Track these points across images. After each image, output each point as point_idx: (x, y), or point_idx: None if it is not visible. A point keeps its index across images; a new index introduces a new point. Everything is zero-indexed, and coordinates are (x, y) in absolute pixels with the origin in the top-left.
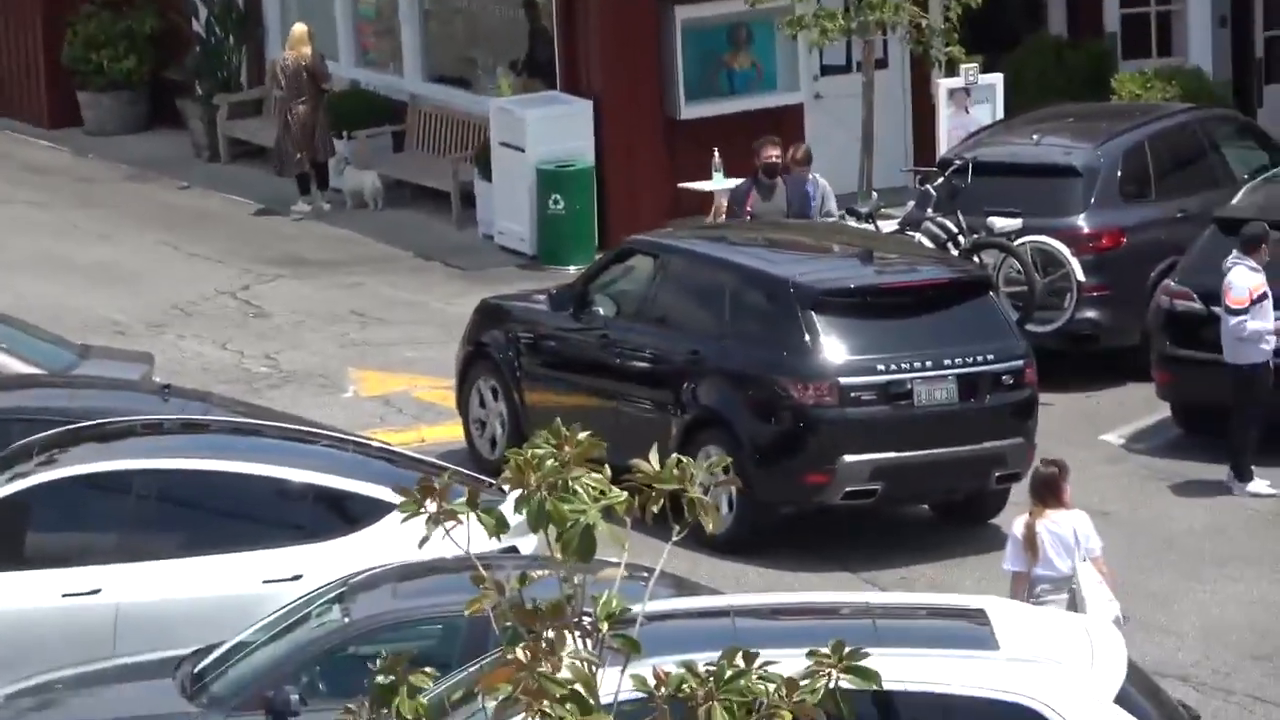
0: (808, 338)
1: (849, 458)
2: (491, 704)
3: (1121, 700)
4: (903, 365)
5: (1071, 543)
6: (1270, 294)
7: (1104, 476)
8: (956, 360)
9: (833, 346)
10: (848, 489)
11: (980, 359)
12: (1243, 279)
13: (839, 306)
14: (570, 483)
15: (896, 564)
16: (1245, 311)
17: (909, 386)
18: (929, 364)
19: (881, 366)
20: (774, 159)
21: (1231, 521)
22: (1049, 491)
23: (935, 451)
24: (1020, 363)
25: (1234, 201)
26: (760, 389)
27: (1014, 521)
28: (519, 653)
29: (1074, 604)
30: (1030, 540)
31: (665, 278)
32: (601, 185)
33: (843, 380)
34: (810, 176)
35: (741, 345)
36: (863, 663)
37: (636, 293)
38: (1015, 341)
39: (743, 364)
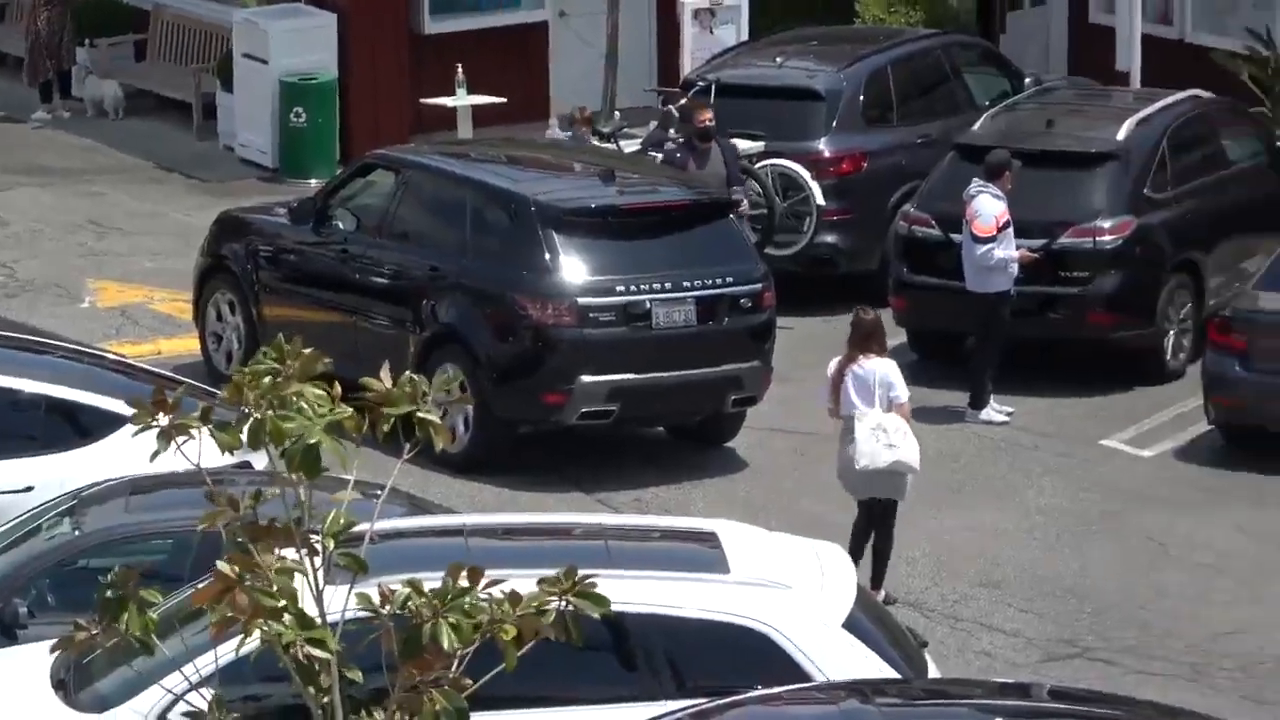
0: (548, 257)
1: (586, 378)
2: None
3: (850, 625)
4: (641, 287)
5: (872, 388)
6: (1012, 222)
7: None
8: (695, 283)
9: (572, 266)
10: (584, 409)
11: (719, 282)
12: (989, 207)
13: (580, 226)
14: (293, 399)
15: (631, 485)
16: (992, 239)
17: (647, 308)
18: (668, 286)
19: (620, 288)
20: (707, 122)
21: (964, 449)
22: (868, 339)
23: (673, 374)
24: (759, 286)
25: (975, 128)
26: (499, 307)
27: (830, 361)
28: (224, 565)
29: (854, 446)
30: (837, 382)
31: (406, 193)
32: (344, 99)
33: (581, 300)
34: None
35: (482, 263)
36: (592, 588)
37: (377, 207)
38: (754, 265)
39: (482, 282)
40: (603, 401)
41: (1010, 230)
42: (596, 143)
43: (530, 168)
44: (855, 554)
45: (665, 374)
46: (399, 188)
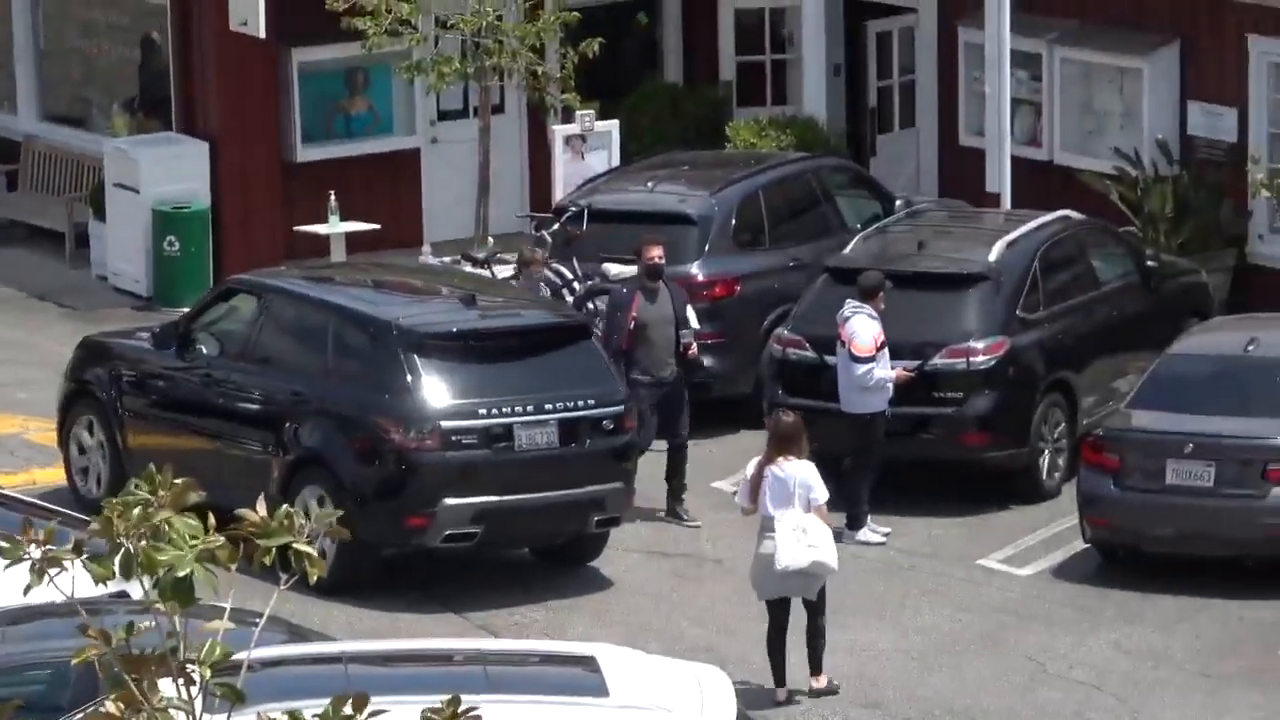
0: (409, 380)
1: (449, 501)
2: None
3: None
4: (504, 409)
5: (791, 489)
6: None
7: (716, 523)
8: (557, 405)
9: (434, 389)
10: (448, 532)
11: (581, 404)
12: (865, 327)
13: (441, 349)
14: (165, 528)
15: (501, 605)
16: (871, 359)
17: (510, 430)
18: (530, 408)
19: (483, 410)
20: (658, 260)
21: (842, 569)
22: (787, 442)
23: (536, 495)
24: (620, 408)
25: (846, 251)
26: (362, 431)
27: (749, 463)
28: (110, 705)
29: (774, 547)
30: (756, 483)
31: (268, 317)
32: (217, 227)
33: (444, 424)
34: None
35: (344, 386)
36: (474, 714)
37: (240, 332)
38: (615, 387)
39: (345, 405)
40: (466, 524)
41: (886, 351)
42: (470, 269)
43: (392, 291)
44: (778, 656)
45: (528, 496)
46: (261, 312)
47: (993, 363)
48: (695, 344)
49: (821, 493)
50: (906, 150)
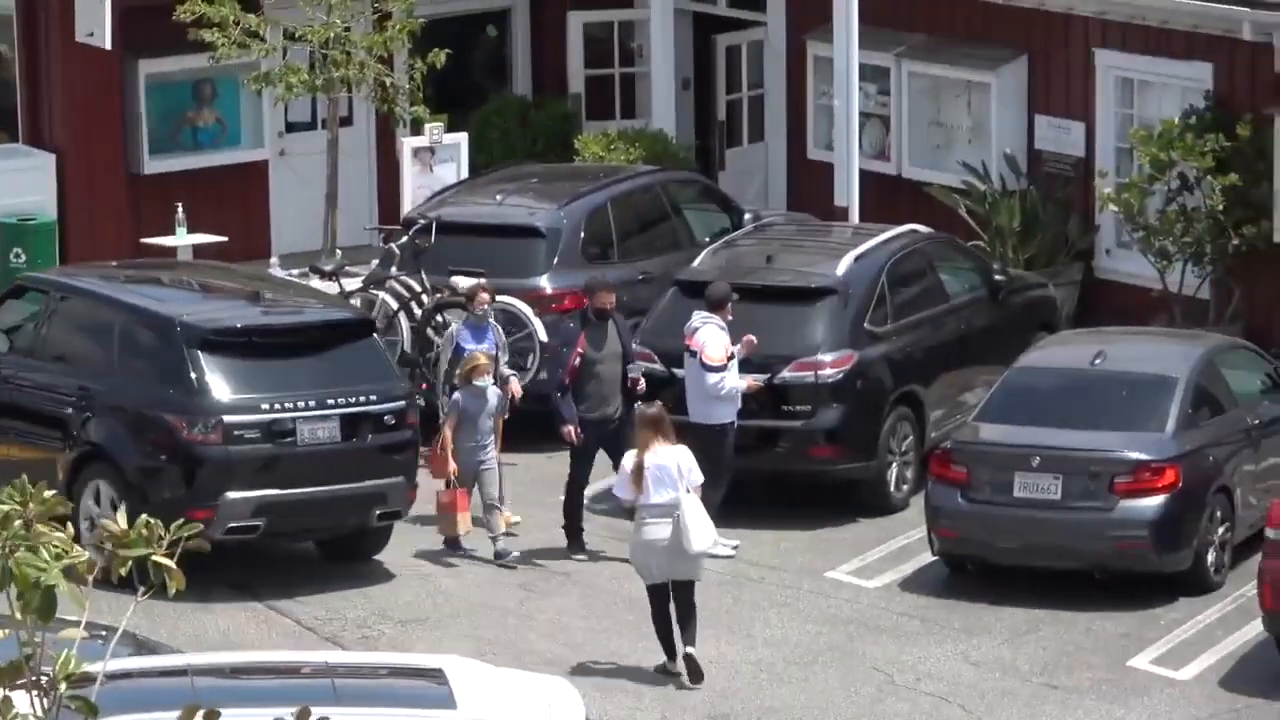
0: (193, 376)
1: (232, 494)
2: None
3: None
4: (286, 404)
5: (675, 475)
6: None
7: (562, 537)
8: (339, 400)
9: (218, 385)
10: (231, 524)
11: (363, 399)
12: (715, 337)
13: (224, 346)
14: (36, 541)
15: (355, 614)
16: (723, 369)
17: (292, 425)
18: (312, 404)
19: (266, 405)
20: (609, 306)
21: None
22: (656, 429)
23: (318, 489)
24: (402, 404)
25: (695, 264)
26: (146, 426)
27: (624, 456)
28: None
29: (678, 531)
30: (637, 473)
31: (56, 315)
32: (64, 239)
33: (227, 419)
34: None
35: (129, 382)
36: None
37: (29, 329)
38: (396, 383)
39: (130, 401)
40: (249, 517)
41: (736, 361)
42: (318, 282)
43: (178, 289)
44: (667, 639)
45: (310, 489)
46: (49, 309)
47: (840, 376)
48: (643, 379)
49: (699, 474)
50: (755, 164)
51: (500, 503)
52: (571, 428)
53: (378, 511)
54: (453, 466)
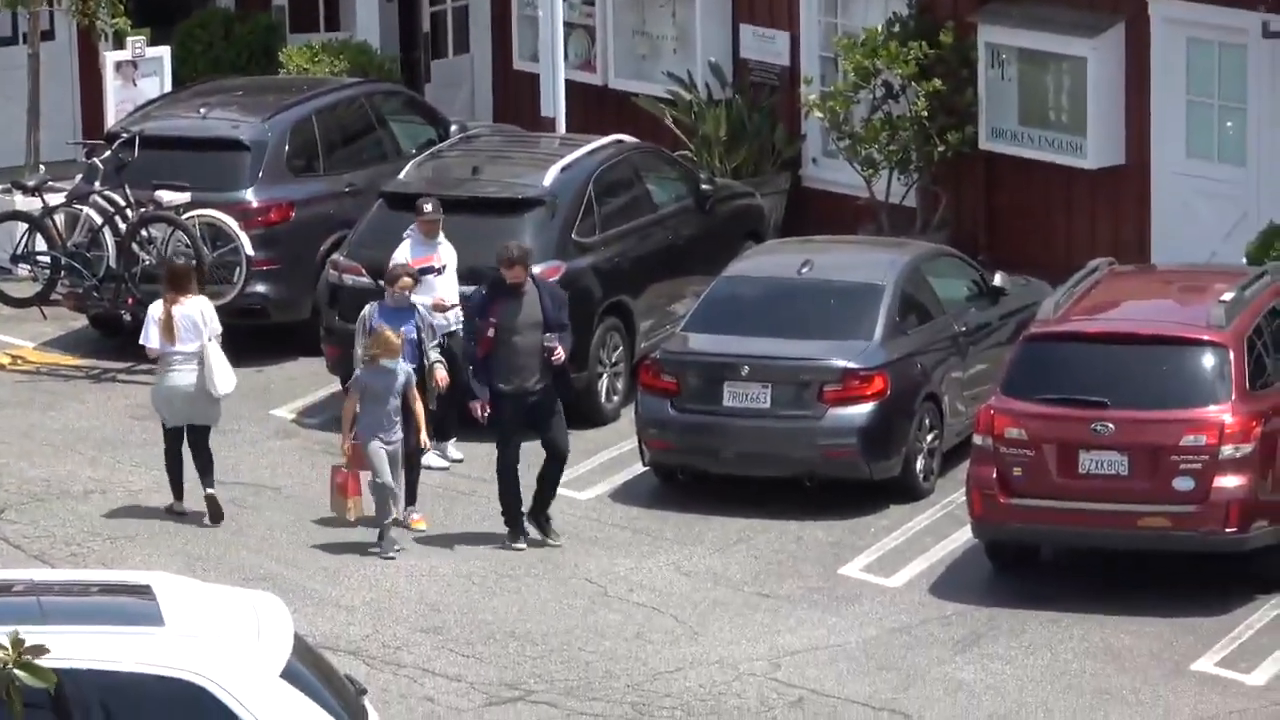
0: None
1: None
2: None
3: (288, 674)
4: None
5: (199, 323)
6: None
7: (275, 451)
8: None
9: None
10: None
11: None
12: (403, 253)
13: None
14: None
15: (62, 532)
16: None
17: None
18: None
19: None
20: (518, 279)
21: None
22: (184, 280)
23: None
24: None
25: (401, 176)
26: None
27: (151, 306)
28: None
29: (203, 376)
30: (166, 323)
31: None
32: None
33: None
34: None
35: None
36: (40, 651)
37: None
38: None
39: None
40: None
41: (435, 277)
42: (21, 197)
43: None
44: (178, 481)
45: None
46: None
47: None
48: (561, 349)
49: (218, 325)
50: (461, 75)
51: (412, 502)
52: (479, 403)
53: None
54: (347, 445)
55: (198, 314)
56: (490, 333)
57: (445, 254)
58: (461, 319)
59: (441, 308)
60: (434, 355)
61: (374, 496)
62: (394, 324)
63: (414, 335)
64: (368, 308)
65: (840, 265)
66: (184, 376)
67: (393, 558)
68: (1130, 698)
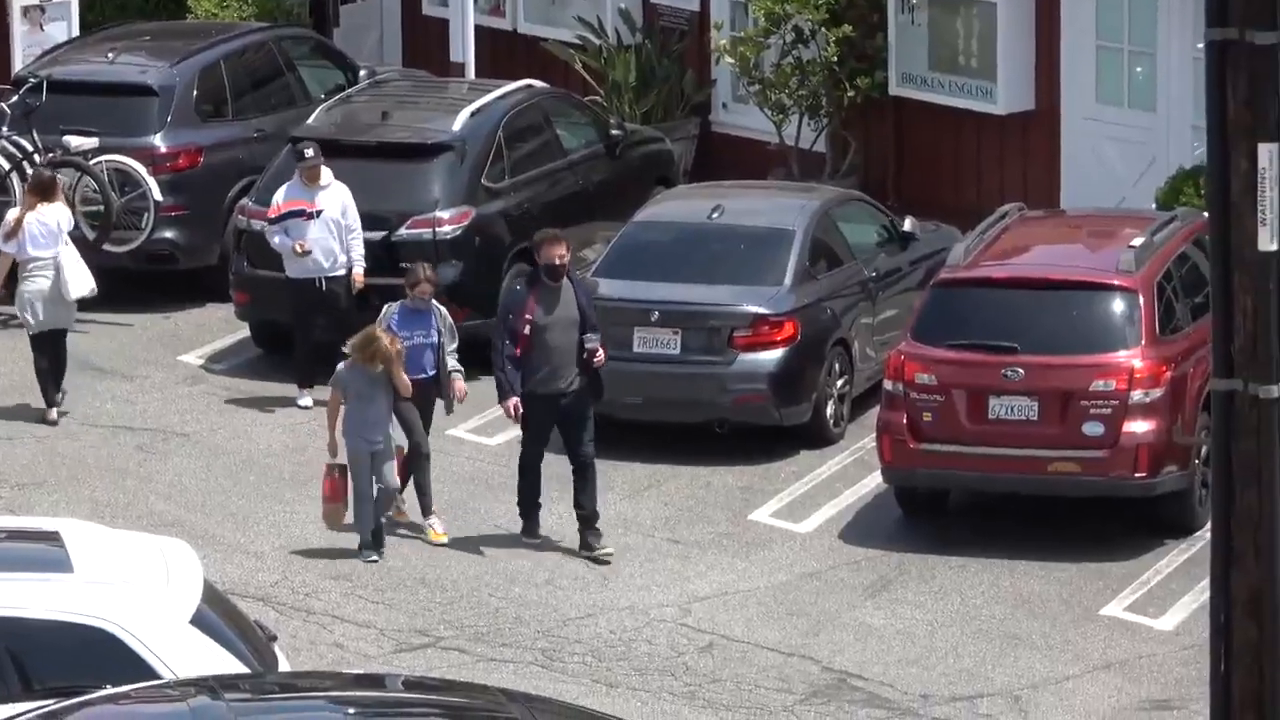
0: None
1: None
2: None
3: (197, 621)
4: None
5: (55, 230)
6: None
7: (183, 397)
8: None
9: None
10: None
11: None
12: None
13: None
14: None
15: None
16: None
17: None
18: None
19: None
20: (560, 259)
21: (310, 442)
22: (48, 189)
23: None
24: None
25: (310, 121)
26: None
27: (9, 212)
28: None
29: (59, 280)
30: (15, 227)
31: None
32: None
33: None
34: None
35: None
36: None
37: None
38: None
39: None
40: None
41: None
42: None
43: None
44: (48, 390)
45: None
46: None
47: (459, 232)
48: (601, 350)
49: (72, 225)
50: (370, 20)
51: (428, 510)
52: (512, 402)
53: None
54: (331, 444)
55: (54, 222)
56: (526, 330)
57: (329, 199)
58: (337, 260)
59: (303, 251)
60: (452, 363)
61: (368, 500)
62: (413, 326)
63: (434, 339)
64: (387, 308)
65: (750, 211)
66: (42, 282)
67: (375, 560)
68: (1040, 642)
